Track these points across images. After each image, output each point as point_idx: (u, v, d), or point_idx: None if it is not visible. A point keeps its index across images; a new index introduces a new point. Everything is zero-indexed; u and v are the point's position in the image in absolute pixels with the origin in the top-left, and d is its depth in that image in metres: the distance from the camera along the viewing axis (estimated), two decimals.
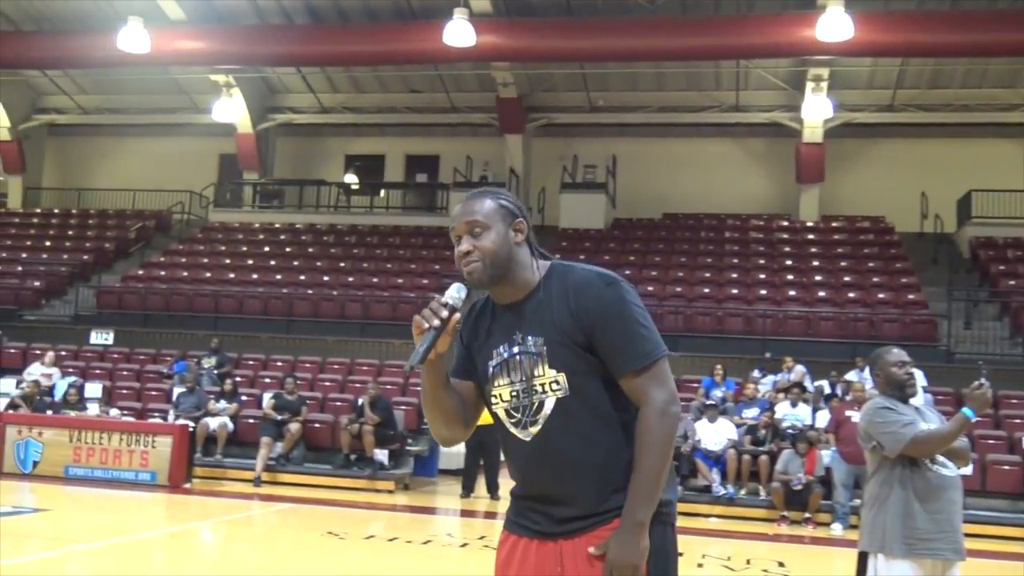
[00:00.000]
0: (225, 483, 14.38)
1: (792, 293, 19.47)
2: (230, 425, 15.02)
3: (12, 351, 18.63)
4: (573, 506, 2.62)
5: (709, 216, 23.82)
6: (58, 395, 15.86)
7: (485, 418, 2.88)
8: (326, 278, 21.38)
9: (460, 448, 13.94)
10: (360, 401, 14.93)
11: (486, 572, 2.84)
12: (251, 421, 15.13)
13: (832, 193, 23.34)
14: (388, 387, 15.99)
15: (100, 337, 19.33)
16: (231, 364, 17.46)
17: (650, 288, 19.70)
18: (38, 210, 27.07)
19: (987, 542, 11.45)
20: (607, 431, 2.62)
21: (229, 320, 19.74)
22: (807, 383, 15.41)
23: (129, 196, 26.58)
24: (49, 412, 14.92)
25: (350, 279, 21.26)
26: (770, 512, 13.18)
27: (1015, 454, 13.59)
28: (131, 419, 15.00)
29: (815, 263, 20.85)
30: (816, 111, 21.83)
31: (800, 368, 15.65)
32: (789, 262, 20.96)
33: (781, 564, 10.05)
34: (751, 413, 14.35)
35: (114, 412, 15.27)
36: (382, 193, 26.33)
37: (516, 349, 2.68)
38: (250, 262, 22.52)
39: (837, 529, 12.49)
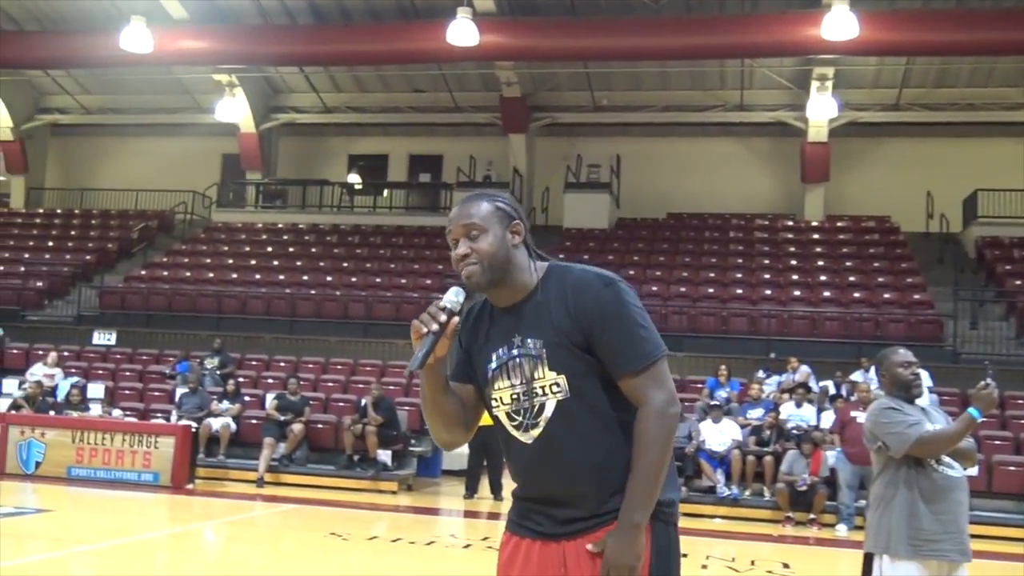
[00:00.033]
0: (228, 484, 14.36)
1: (797, 293, 19.41)
2: (233, 426, 14.98)
3: (15, 351, 18.62)
4: (576, 507, 2.61)
5: (713, 216, 23.77)
6: (61, 396, 15.83)
7: (488, 419, 2.86)
8: (329, 278, 21.34)
9: (464, 449, 13.88)
10: (363, 402, 14.88)
11: (489, 573, 2.81)
12: (254, 422, 15.09)
13: (837, 193, 23.27)
14: (391, 387, 15.95)
15: (103, 337, 19.32)
16: (234, 364, 17.43)
17: (654, 288, 19.66)
18: (41, 210, 27.07)
19: (993, 543, 11.39)
20: (608, 432, 2.61)
21: (232, 320, 19.71)
22: (812, 383, 15.33)
23: (132, 196, 26.56)
24: (52, 413, 14.91)
25: (353, 279, 21.23)
26: (775, 513, 13.13)
27: (1021, 455, 13.55)
28: (134, 420, 14.97)
29: (820, 263, 20.79)
30: (821, 110, 21.78)
31: (805, 368, 15.58)
32: (794, 262, 20.91)
33: (786, 565, 10.01)
34: (756, 414, 14.32)
35: (117, 413, 15.24)
36: (385, 193, 26.28)
37: (515, 352, 2.67)
38: (253, 262, 22.50)
39: (842, 530, 12.44)
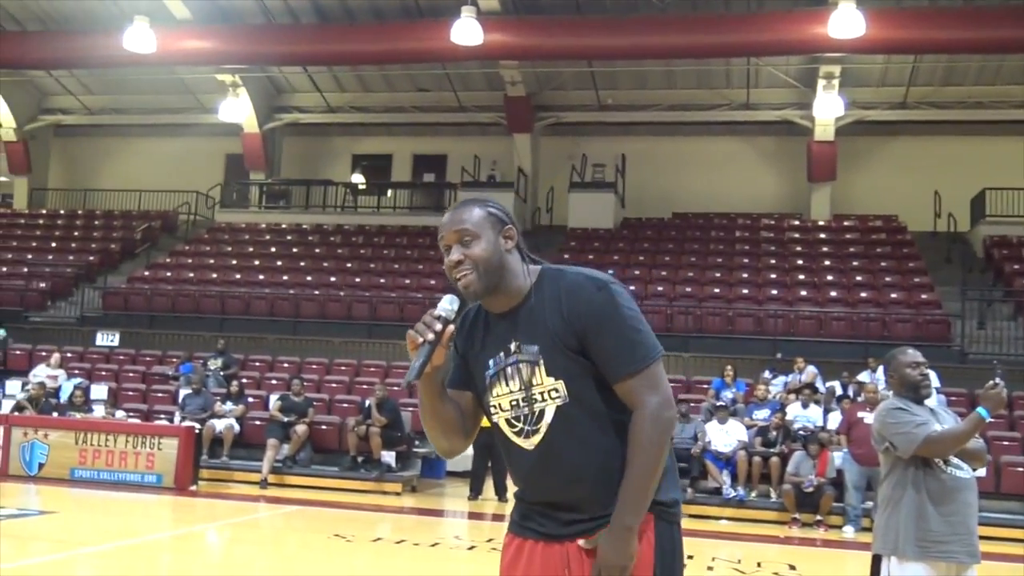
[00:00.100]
0: (231, 485, 14.34)
1: (803, 293, 19.33)
2: (236, 427, 14.94)
3: (18, 353, 18.62)
4: (579, 511, 2.62)
5: (719, 215, 23.70)
6: (64, 397, 15.83)
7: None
8: (333, 279, 21.31)
9: (468, 450, 13.81)
10: (367, 402, 14.84)
11: (493, 575, 2.81)
12: (257, 423, 15.05)
13: (844, 192, 23.19)
14: (395, 388, 15.85)
15: (106, 338, 19.32)
16: (237, 365, 17.41)
17: (659, 288, 19.62)
18: (44, 211, 27.09)
19: (1001, 544, 11.31)
20: (608, 434, 2.62)
21: (235, 321, 19.69)
22: (818, 384, 15.30)
23: (135, 197, 26.56)
24: (55, 414, 14.91)
25: (357, 280, 21.19)
26: (781, 514, 13.08)
27: None
28: (137, 421, 14.95)
29: (827, 263, 20.71)
30: (828, 109, 21.69)
31: (811, 369, 15.53)
32: (800, 262, 20.82)
33: (792, 567, 9.98)
34: (762, 414, 14.27)
35: (120, 414, 15.22)
36: (389, 193, 26.22)
37: (513, 358, 2.67)
38: (256, 263, 22.47)
39: (849, 532, 12.39)
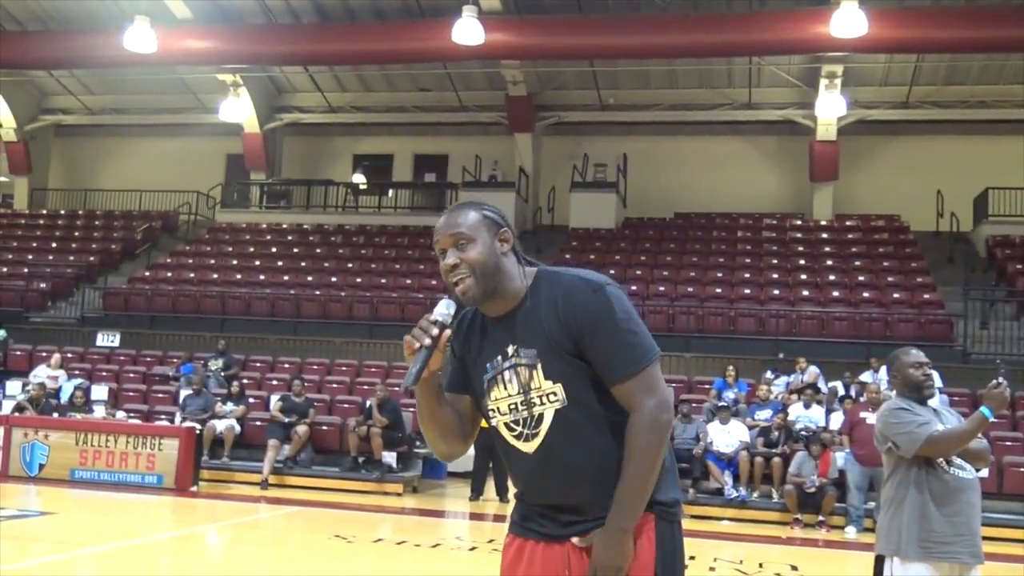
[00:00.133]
0: (232, 486, 14.32)
1: (805, 293, 19.29)
2: (237, 427, 14.92)
3: (18, 353, 18.60)
4: (580, 512, 2.63)
5: (721, 215, 23.67)
6: (64, 397, 15.81)
7: None
8: (334, 279, 21.27)
9: (469, 451, 13.79)
10: (368, 403, 14.81)
11: (494, 575, 2.80)
12: (258, 423, 15.02)
13: (846, 192, 23.15)
14: (396, 389, 15.81)
15: (106, 339, 19.30)
16: (238, 366, 17.38)
17: (661, 288, 19.59)
18: (44, 211, 27.08)
19: (1004, 545, 11.28)
20: (607, 436, 2.62)
21: (236, 322, 19.66)
22: (821, 384, 15.26)
23: (135, 197, 26.55)
24: (55, 414, 14.88)
25: (358, 280, 21.15)
26: (783, 515, 13.04)
27: None
28: (137, 422, 14.91)
29: (829, 263, 20.67)
30: (830, 108, 21.65)
31: (814, 369, 15.49)
32: (802, 262, 20.79)
33: (794, 568, 9.96)
34: (764, 415, 14.24)
35: (120, 414, 15.19)
36: (390, 193, 26.19)
37: (510, 362, 2.67)
38: (257, 263, 22.45)
39: (851, 532, 12.35)
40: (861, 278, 19.82)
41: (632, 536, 2.55)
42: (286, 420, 14.58)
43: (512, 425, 2.69)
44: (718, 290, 19.62)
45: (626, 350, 2.57)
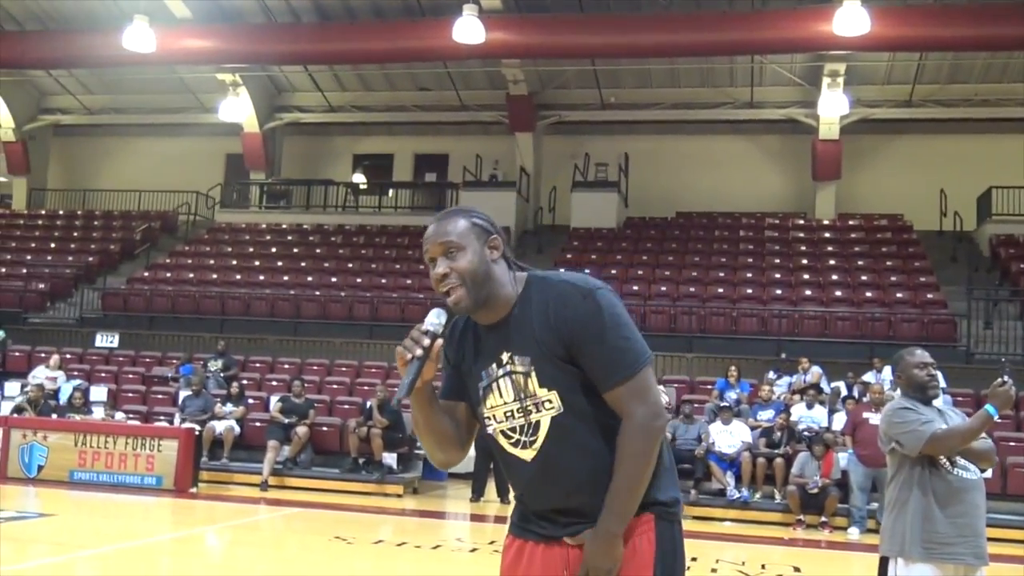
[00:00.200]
0: (232, 487, 14.27)
1: (808, 293, 19.25)
2: (237, 428, 14.85)
3: (17, 354, 18.54)
4: (580, 515, 2.64)
5: (723, 215, 23.64)
6: (63, 398, 15.77)
7: None
8: (334, 279, 21.23)
9: (470, 452, 13.72)
10: (368, 404, 14.76)
11: None
12: (258, 424, 14.96)
13: (849, 191, 23.10)
14: (396, 390, 15.77)
15: (105, 340, 19.25)
16: (237, 367, 17.33)
17: (663, 288, 19.54)
18: (43, 211, 27.07)
19: (1008, 546, 11.21)
20: (605, 440, 2.62)
21: (235, 322, 19.62)
22: (823, 384, 15.20)
23: (134, 197, 26.53)
24: (54, 416, 14.83)
25: (358, 280, 21.11)
26: (785, 516, 12.97)
27: None
28: (137, 423, 14.85)
29: (831, 262, 20.63)
30: (832, 107, 21.62)
31: (816, 369, 15.43)
32: (805, 261, 20.75)
33: (797, 569, 9.93)
34: (766, 415, 14.20)
35: (119, 415, 15.13)
36: (391, 193, 26.17)
37: (505, 369, 2.66)
38: (257, 263, 22.41)
39: (854, 533, 12.31)
40: (864, 278, 19.78)
41: (622, 539, 2.56)
42: (286, 421, 14.52)
43: (509, 433, 2.68)
44: (720, 290, 19.57)
45: (617, 356, 2.56)
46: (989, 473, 4.89)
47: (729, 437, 13.54)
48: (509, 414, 2.67)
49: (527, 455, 2.66)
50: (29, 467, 13.76)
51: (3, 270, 22.74)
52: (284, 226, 24.82)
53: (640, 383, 2.56)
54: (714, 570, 9.35)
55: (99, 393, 16.17)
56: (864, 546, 11.25)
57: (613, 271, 20.07)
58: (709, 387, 15.72)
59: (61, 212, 26.91)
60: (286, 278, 21.35)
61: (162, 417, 15.28)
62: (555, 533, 2.66)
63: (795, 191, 23.92)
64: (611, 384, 2.56)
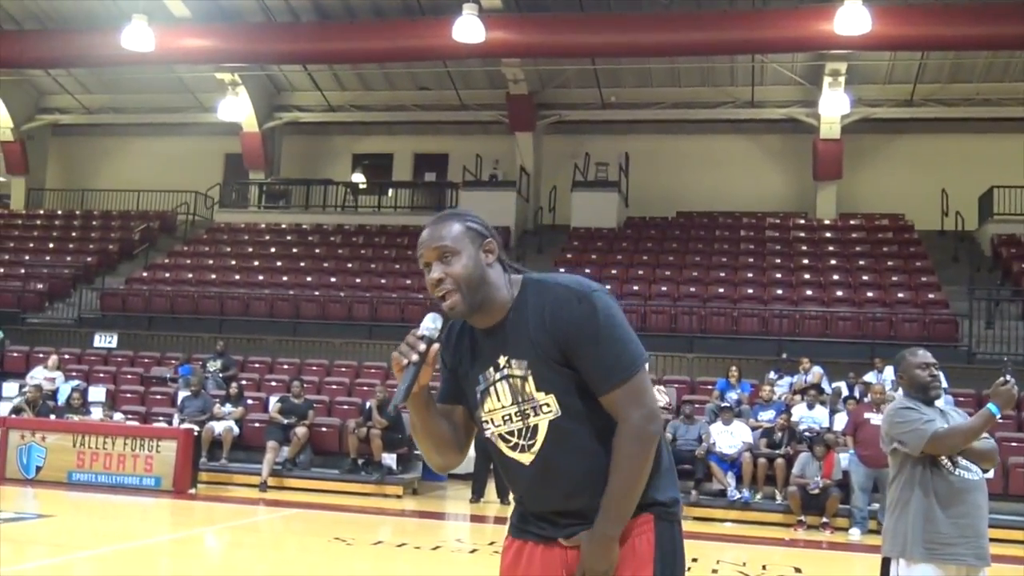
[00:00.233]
0: (231, 488, 14.24)
1: (809, 293, 19.22)
2: (236, 429, 14.82)
3: (15, 355, 18.52)
4: (579, 517, 2.65)
5: (724, 214, 23.61)
6: (61, 399, 15.76)
7: None
8: (333, 279, 21.20)
9: (470, 452, 13.68)
10: (368, 404, 14.72)
11: None
12: (257, 425, 14.93)
13: (850, 190, 23.07)
14: (396, 391, 15.73)
15: (104, 340, 19.22)
16: (236, 367, 17.30)
17: (664, 288, 19.51)
18: (41, 211, 27.03)
19: (1010, 547, 11.16)
20: (601, 442, 2.62)
21: (234, 322, 19.58)
22: (824, 385, 15.15)
23: (133, 197, 26.50)
24: (52, 416, 14.80)
25: (357, 280, 21.08)
26: (786, 517, 12.94)
27: None
28: (135, 423, 14.81)
29: (832, 262, 20.60)
30: (833, 106, 21.60)
31: (817, 369, 15.39)
32: (806, 261, 20.72)
33: (798, 570, 9.90)
34: (767, 415, 14.17)
35: (118, 416, 15.10)
36: (390, 193, 26.15)
37: (502, 373, 2.66)
38: (256, 263, 22.38)
39: (855, 534, 12.27)
40: (865, 277, 19.75)
41: (618, 541, 2.58)
42: (285, 421, 14.48)
43: (507, 436, 2.68)
44: (721, 290, 19.53)
45: (612, 360, 2.55)
46: (991, 473, 4.88)
47: (730, 437, 13.50)
48: (507, 418, 2.67)
49: (526, 458, 2.66)
50: (27, 468, 13.72)
51: (1, 270, 22.71)
52: (283, 226, 24.79)
53: (636, 386, 2.56)
54: (715, 571, 9.33)
55: (97, 394, 16.14)
56: (865, 547, 11.23)
57: (613, 271, 20.04)
58: (710, 387, 15.69)
59: (59, 212, 26.87)
60: (285, 278, 21.32)
61: (161, 418, 15.26)
62: (554, 534, 2.67)
63: (796, 191, 23.90)
64: (607, 387, 2.56)
